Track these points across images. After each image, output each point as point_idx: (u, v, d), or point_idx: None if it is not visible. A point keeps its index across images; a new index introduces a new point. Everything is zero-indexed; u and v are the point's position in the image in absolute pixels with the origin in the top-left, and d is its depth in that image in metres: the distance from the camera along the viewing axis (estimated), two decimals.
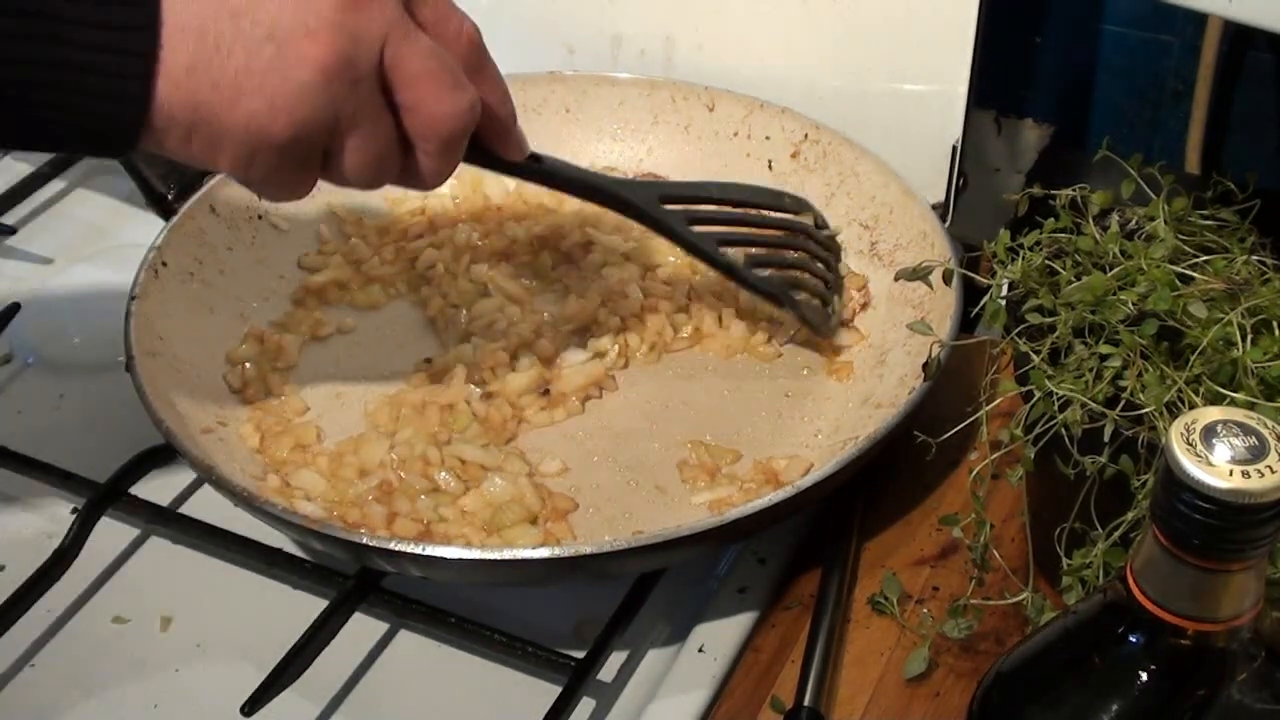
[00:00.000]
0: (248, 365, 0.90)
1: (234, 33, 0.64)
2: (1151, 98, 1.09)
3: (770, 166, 1.02)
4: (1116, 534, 0.66)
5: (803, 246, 0.93)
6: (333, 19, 0.65)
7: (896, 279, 0.84)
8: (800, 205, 0.95)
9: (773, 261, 0.91)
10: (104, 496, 0.84)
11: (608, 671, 0.78)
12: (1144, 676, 0.52)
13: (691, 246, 0.90)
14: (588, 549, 0.73)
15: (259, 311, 0.95)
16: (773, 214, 0.93)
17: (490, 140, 0.77)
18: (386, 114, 0.69)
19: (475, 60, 0.73)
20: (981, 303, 0.75)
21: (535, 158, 0.82)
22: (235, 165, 0.68)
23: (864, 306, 0.95)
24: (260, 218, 0.99)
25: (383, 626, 0.82)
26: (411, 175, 0.72)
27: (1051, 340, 0.70)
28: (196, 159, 0.68)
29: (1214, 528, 0.47)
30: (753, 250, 0.91)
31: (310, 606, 0.79)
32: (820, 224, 0.96)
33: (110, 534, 0.86)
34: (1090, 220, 0.75)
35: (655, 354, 0.93)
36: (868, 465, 0.80)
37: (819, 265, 0.93)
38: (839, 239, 0.97)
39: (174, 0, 0.63)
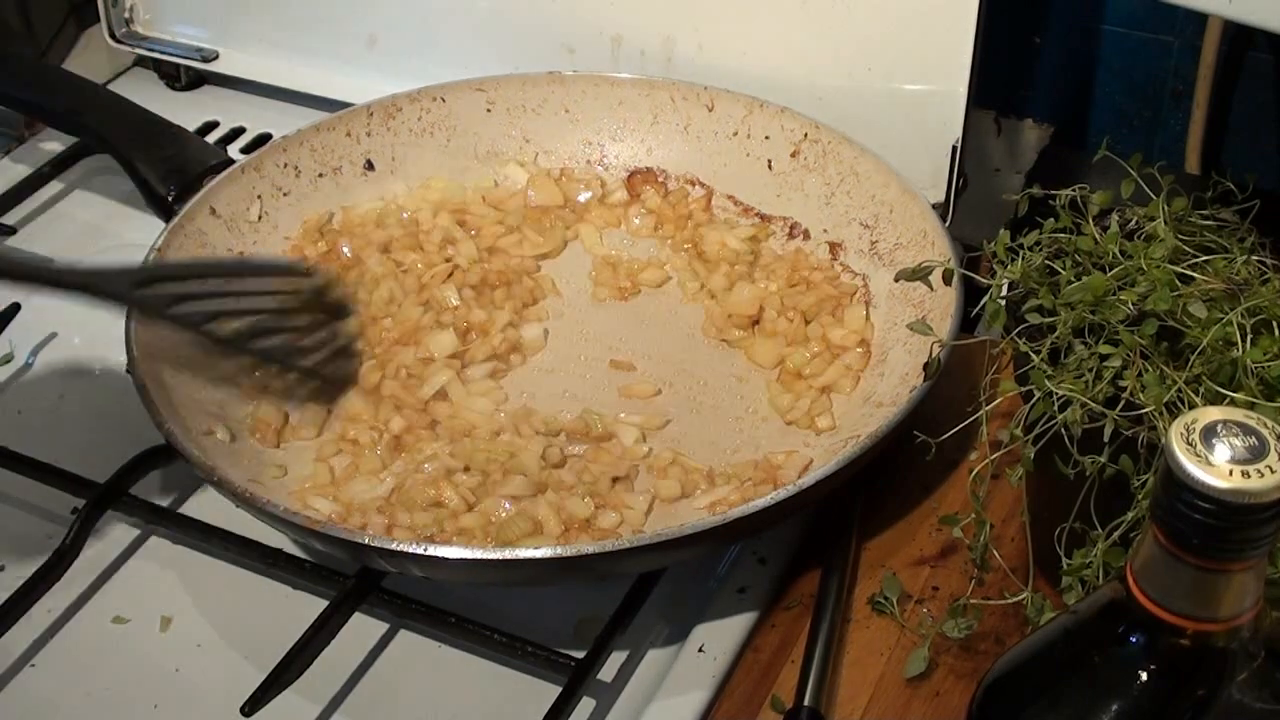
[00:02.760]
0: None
1: None
2: (1151, 98, 1.09)
3: (770, 166, 1.02)
4: (1116, 534, 0.66)
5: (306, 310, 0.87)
6: None
7: (897, 279, 0.84)
8: (303, 271, 0.91)
9: (277, 327, 0.86)
10: (104, 496, 0.84)
11: (608, 671, 0.78)
12: (1144, 676, 0.52)
13: (175, 327, 0.83)
14: (588, 549, 0.73)
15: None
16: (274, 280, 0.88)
17: None
18: None
19: None
20: (981, 303, 0.75)
21: None
22: None
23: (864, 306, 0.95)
24: (261, 219, 1.00)
25: (383, 626, 0.82)
26: None
27: (1051, 340, 0.70)
28: None
29: (1214, 528, 0.47)
30: (254, 319, 0.85)
31: (310, 606, 0.79)
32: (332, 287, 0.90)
33: (110, 534, 0.86)
34: (1090, 220, 0.75)
35: None
36: (868, 465, 0.80)
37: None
38: (841, 238, 0.98)
39: None
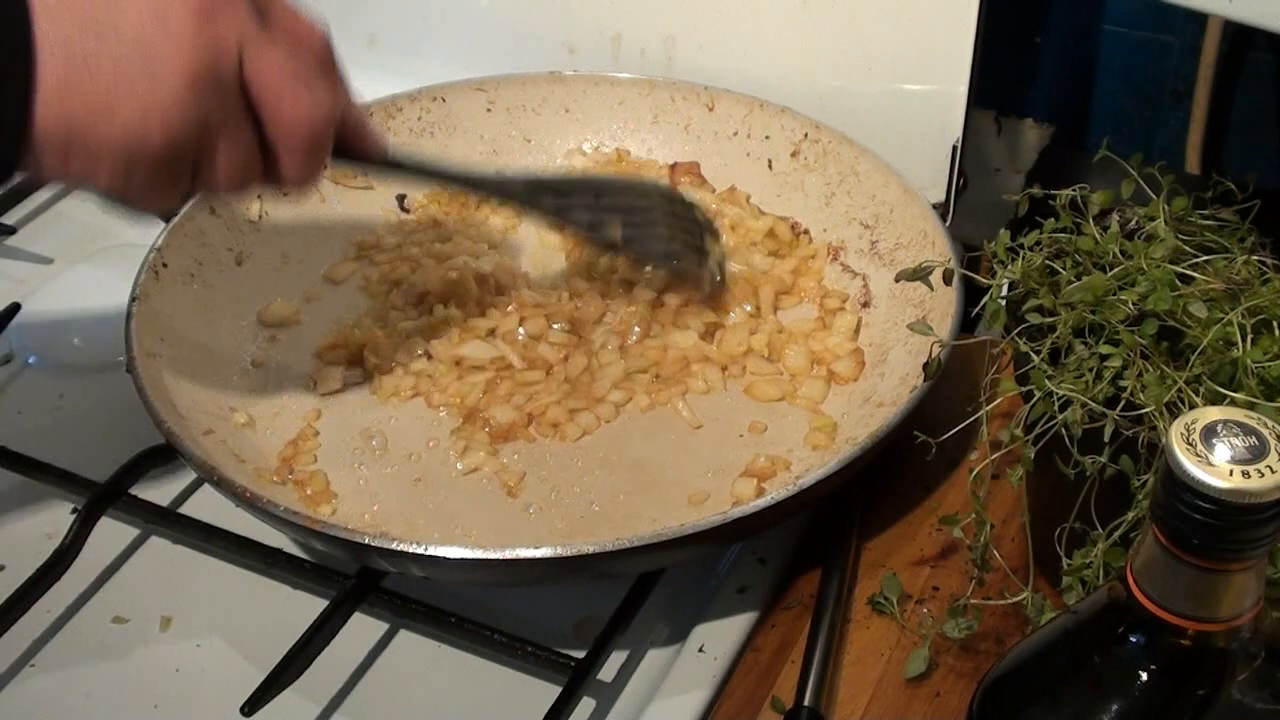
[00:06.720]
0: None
1: (99, 49, 0.64)
2: (1151, 98, 1.09)
3: (770, 166, 1.02)
4: (1116, 534, 0.66)
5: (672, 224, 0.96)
6: (193, 29, 0.66)
7: (897, 279, 0.84)
8: (672, 193, 0.98)
9: (647, 237, 0.95)
10: (104, 496, 0.84)
11: (608, 671, 0.78)
12: (1144, 676, 0.52)
13: (569, 226, 0.94)
14: (588, 549, 0.73)
15: (260, 313, 0.95)
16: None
17: (349, 140, 0.79)
18: (248, 121, 0.70)
19: (326, 64, 0.74)
20: (982, 303, 0.75)
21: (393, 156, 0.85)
22: (114, 180, 0.68)
23: (865, 305, 0.95)
24: (261, 218, 1.00)
25: (383, 626, 0.82)
26: (278, 178, 0.74)
27: (1051, 340, 0.70)
28: (74, 178, 0.68)
29: (1214, 528, 0.47)
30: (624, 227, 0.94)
31: (310, 606, 0.79)
32: (694, 209, 0.97)
33: (110, 534, 0.86)
34: (1090, 220, 0.75)
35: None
36: (868, 465, 0.80)
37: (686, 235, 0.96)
38: (841, 238, 0.98)
39: (40, 20, 0.63)
